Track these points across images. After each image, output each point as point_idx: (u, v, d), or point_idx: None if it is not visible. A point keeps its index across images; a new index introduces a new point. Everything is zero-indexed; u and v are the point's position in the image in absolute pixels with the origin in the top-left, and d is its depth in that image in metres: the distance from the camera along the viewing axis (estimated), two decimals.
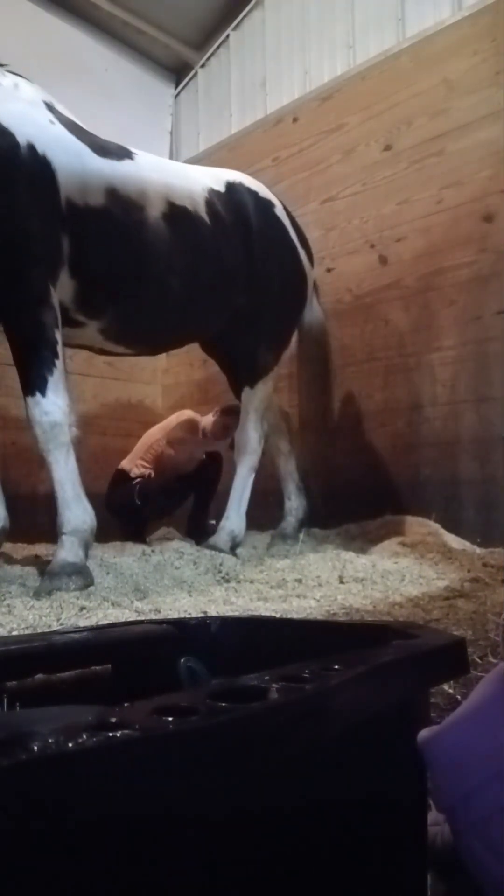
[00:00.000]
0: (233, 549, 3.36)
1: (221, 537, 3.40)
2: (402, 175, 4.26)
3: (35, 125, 2.67)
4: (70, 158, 2.74)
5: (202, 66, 6.15)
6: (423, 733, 0.76)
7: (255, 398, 3.58)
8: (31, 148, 2.61)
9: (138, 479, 4.23)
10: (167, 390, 5.71)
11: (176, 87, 6.39)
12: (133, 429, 5.29)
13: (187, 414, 4.46)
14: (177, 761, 0.49)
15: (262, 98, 5.56)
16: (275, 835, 0.62)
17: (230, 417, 4.15)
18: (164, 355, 5.51)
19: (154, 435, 4.45)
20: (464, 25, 4.07)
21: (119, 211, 2.90)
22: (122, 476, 4.35)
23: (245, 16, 5.75)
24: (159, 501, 4.22)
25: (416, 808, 0.82)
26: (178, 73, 6.38)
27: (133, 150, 3.16)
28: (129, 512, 4.19)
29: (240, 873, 0.59)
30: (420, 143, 4.18)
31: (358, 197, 4.49)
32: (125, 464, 4.42)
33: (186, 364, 5.48)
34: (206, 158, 5.17)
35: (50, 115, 2.79)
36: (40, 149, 2.63)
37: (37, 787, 0.42)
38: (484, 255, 3.82)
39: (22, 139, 2.58)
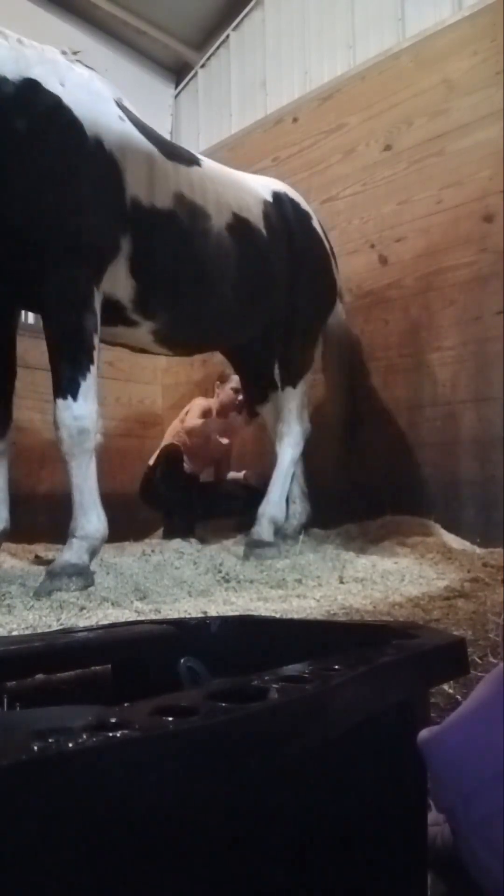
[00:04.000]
0: (275, 536, 3.43)
1: (263, 526, 3.43)
2: (402, 175, 4.26)
3: (105, 120, 2.61)
4: (138, 158, 2.70)
5: (202, 66, 6.15)
6: (423, 733, 0.76)
7: (298, 396, 3.70)
8: (99, 142, 2.55)
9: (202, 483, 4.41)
10: (167, 390, 5.71)
11: (176, 87, 6.39)
12: (133, 429, 5.29)
13: (199, 399, 4.59)
14: (177, 761, 0.49)
15: (262, 98, 5.56)
16: (275, 834, 0.62)
17: (230, 382, 4.39)
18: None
19: (175, 427, 4.56)
20: (464, 25, 4.07)
21: (185, 215, 2.90)
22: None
23: (245, 16, 5.75)
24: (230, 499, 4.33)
25: (416, 808, 0.82)
26: (178, 73, 6.38)
27: (199, 156, 3.20)
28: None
29: (240, 873, 0.59)
30: (420, 143, 4.18)
31: (358, 197, 4.49)
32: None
33: (186, 364, 5.48)
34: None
35: (120, 112, 2.74)
36: (107, 145, 2.58)
37: (37, 787, 0.42)
38: (484, 255, 3.82)
39: (91, 132, 2.52)
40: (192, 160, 3.07)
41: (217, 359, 4.92)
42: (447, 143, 4.04)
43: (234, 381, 4.34)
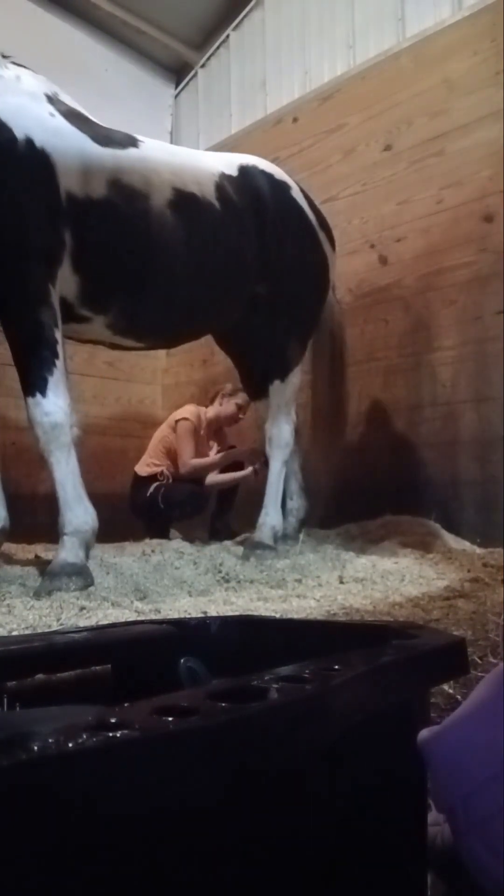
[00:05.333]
0: (275, 542, 3.38)
1: (265, 533, 3.39)
2: (402, 175, 4.26)
3: (33, 119, 2.63)
4: (70, 151, 2.70)
5: (202, 66, 6.15)
6: (423, 733, 0.76)
7: (287, 391, 3.53)
8: (29, 142, 2.57)
9: (157, 483, 4.26)
10: (167, 390, 5.71)
11: (176, 87, 6.39)
12: (133, 429, 5.29)
13: (189, 408, 4.48)
14: (177, 761, 0.49)
15: (262, 98, 5.56)
16: (274, 834, 0.62)
17: (237, 398, 4.31)
18: (164, 355, 5.54)
19: (162, 431, 4.50)
20: (464, 25, 4.07)
21: (121, 201, 2.85)
22: (137, 479, 4.37)
23: (245, 16, 5.75)
24: (184, 501, 4.23)
25: (416, 808, 0.82)
26: (178, 73, 6.38)
27: (140, 137, 3.09)
28: (152, 514, 4.23)
29: (239, 873, 0.59)
30: (420, 143, 4.18)
31: (358, 197, 4.49)
32: (138, 467, 4.45)
33: (186, 364, 5.48)
34: None
35: (50, 108, 2.75)
36: (38, 143, 2.60)
37: (37, 787, 0.42)
38: (484, 255, 3.83)
39: (20, 134, 2.55)
40: (128, 143, 2.98)
41: (218, 359, 4.93)
42: (447, 143, 4.04)
43: (242, 397, 4.26)
